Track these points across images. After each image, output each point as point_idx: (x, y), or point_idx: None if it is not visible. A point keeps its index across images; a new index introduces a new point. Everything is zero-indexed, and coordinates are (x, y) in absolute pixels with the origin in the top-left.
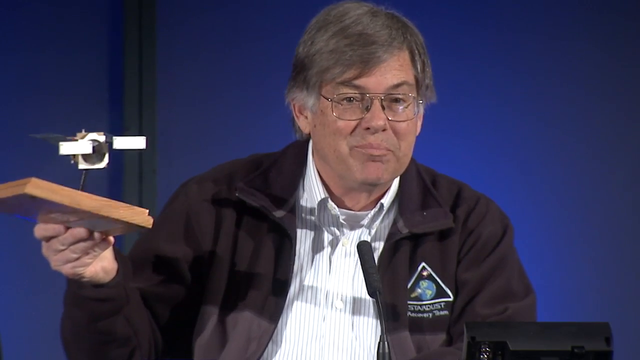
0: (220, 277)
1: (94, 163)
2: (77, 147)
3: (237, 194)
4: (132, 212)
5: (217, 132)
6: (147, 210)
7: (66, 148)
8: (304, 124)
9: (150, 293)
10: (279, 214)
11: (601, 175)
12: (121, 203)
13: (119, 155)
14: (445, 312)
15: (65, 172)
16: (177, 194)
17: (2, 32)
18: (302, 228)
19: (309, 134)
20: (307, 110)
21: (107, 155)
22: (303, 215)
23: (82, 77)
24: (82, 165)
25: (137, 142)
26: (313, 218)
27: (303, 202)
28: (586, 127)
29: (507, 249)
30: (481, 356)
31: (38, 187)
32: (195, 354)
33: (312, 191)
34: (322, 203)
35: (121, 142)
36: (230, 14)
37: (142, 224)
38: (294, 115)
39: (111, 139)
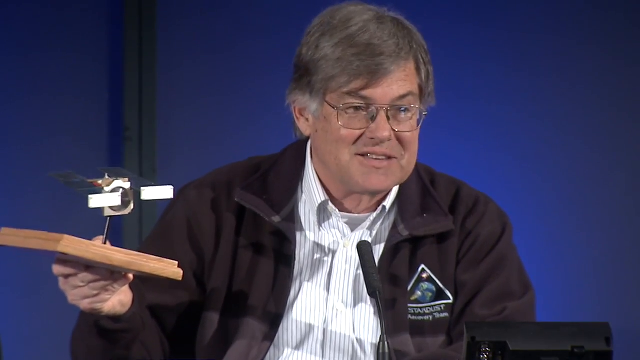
0: (222, 282)
1: (119, 210)
2: (106, 199)
3: (236, 199)
4: (162, 265)
5: (217, 132)
6: (177, 262)
7: (96, 201)
8: (304, 126)
9: (158, 304)
10: (277, 218)
11: (601, 175)
12: (151, 256)
13: (119, 156)
14: (446, 315)
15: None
16: (175, 199)
17: (3, 32)
18: (301, 231)
19: (309, 135)
20: (308, 113)
21: (132, 202)
22: (303, 218)
23: (82, 77)
24: (108, 213)
25: (165, 192)
26: (313, 221)
27: (302, 205)
28: (587, 126)
29: (506, 247)
30: (481, 356)
31: (71, 246)
32: (198, 358)
33: (312, 194)
34: (322, 206)
35: (149, 193)
36: (230, 14)
37: (172, 277)
38: (294, 116)
39: (138, 187)
